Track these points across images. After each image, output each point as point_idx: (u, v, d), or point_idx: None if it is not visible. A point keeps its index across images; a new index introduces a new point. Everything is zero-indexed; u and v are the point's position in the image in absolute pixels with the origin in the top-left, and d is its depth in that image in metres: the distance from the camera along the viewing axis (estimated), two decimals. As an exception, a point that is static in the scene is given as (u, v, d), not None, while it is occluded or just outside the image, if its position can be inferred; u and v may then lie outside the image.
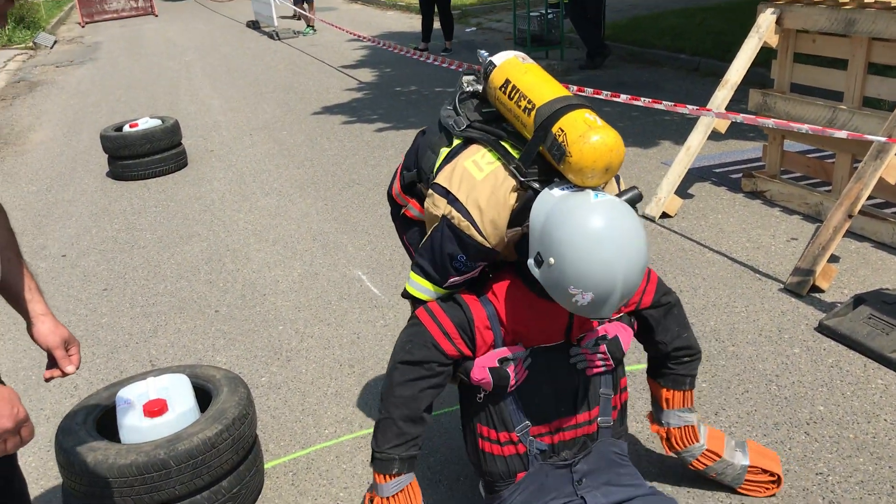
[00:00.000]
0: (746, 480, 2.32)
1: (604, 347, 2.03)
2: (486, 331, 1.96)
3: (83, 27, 19.77)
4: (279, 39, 13.66)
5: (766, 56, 4.82)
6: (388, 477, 1.99)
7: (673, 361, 2.22)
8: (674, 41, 9.14)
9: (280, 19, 14.99)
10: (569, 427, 2.06)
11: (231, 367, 3.41)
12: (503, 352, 1.96)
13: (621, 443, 2.16)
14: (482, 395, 2.03)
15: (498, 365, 1.95)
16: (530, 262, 1.77)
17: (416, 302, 2.08)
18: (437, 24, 11.06)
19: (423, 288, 2.02)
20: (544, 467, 2.06)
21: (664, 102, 4.40)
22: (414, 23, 13.81)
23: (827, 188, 4.53)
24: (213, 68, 11.45)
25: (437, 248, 1.94)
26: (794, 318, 3.41)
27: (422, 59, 7.88)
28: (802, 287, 3.57)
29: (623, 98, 4.44)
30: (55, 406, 3.26)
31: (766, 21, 4.42)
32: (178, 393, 2.49)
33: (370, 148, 6.47)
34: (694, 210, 4.71)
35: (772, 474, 2.32)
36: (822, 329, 3.26)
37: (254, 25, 15.78)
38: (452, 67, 6.94)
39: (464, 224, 1.87)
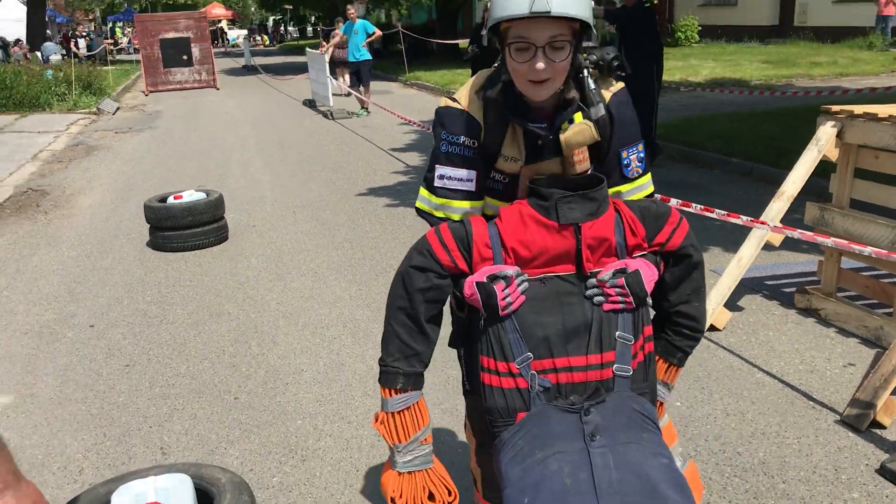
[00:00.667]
0: None
1: (622, 281, 1.82)
2: (484, 248, 1.86)
3: (146, 95, 20.49)
4: (333, 119, 13.90)
5: (824, 166, 4.64)
6: (393, 392, 1.91)
7: (672, 327, 2.04)
8: (726, 144, 9.02)
9: (335, 97, 15.32)
10: (578, 368, 1.83)
11: (243, 463, 3.23)
12: (494, 268, 1.83)
13: (644, 401, 1.87)
14: (482, 318, 1.88)
15: (486, 280, 1.82)
16: None
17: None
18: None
19: (423, 197, 2.05)
20: (548, 409, 1.82)
21: (717, 211, 4.23)
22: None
23: (887, 311, 4.26)
24: (267, 143, 11.64)
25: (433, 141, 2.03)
26: (852, 457, 3.12)
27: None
28: (861, 421, 3.30)
29: (674, 203, 4.29)
30: (55, 491, 3.10)
31: (826, 134, 4.26)
32: (178, 498, 2.32)
33: (411, 232, 6.38)
34: (743, 325, 4.47)
35: None
36: (885, 472, 2.97)
37: (310, 104, 16.15)
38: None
39: (444, 101, 2.01)
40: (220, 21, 53.85)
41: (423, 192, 2.05)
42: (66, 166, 10.32)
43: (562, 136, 1.87)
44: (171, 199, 6.44)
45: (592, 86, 1.89)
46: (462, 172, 1.97)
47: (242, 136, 12.43)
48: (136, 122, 14.83)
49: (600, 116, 1.89)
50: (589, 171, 1.94)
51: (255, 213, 7.45)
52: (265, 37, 53.93)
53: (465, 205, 1.99)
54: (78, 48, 30.27)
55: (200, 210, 6.29)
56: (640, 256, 1.89)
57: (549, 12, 1.67)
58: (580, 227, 1.80)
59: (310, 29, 53.30)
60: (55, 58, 21.90)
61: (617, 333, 1.84)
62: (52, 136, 12.77)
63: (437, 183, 2.01)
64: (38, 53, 23.71)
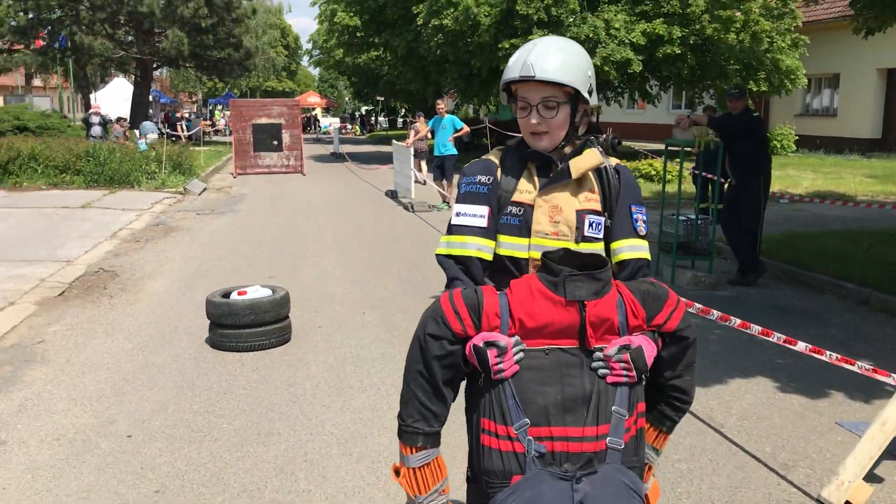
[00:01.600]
0: None
1: (627, 356, 1.96)
2: (494, 317, 1.99)
3: (234, 177, 20.83)
4: (414, 211, 13.63)
5: None
6: (413, 449, 2.05)
7: (664, 398, 2.18)
8: (838, 266, 8.20)
9: (417, 185, 15.12)
10: (574, 438, 1.94)
11: None
12: (489, 335, 1.97)
13: (633, 475, 1.98)
14: (482, 380, 2.02)
15: (481, 345, 1.95)
16: None
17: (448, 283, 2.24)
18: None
19: (441, 243, 2.26)
20: (542, 474, 1.92)
21: (858, 364, 3.53)
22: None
23: None
24: (344, 234, 11.36)
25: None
26: None
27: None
28: None
29: (802, 347, 3.60)
30: None
31: None
32: None
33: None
34: (887, 501, 3.67)
35: None
36: None
37: (392, 195, 16.00)
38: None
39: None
40: (314, 109, 55.76)
41: (442, 239, 2.27)
42: (143, 247, 10.21)
43: (571, 161, 2.16)
44: (234, 295, 6.06)
45: (600, 149, 2.23)
46: (477, 209, 2.19)
47: (320, 225, 12.22)
48: (220, 205, 14.89)
49: (608, 166, 2.22)
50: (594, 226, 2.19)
51: (323, 311, 7.01)
52: (356, 126, 55.43)
53: (478, 241, 2.19)
54: (184, 129, 31.46)
55: (264, 308, 5.88)
56: (641, 334, 2.02)
57: (534, 77, 2.07)
58: (585, 304, 1.94)
59: (399, 120, 54.59)
60: (152, 136, 22.64)
61: (613, 408, 1.96)
62: (135, 215, 12.85)
63: (453, 221, 2.23)
64: (136, 131, 24.61)
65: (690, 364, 2.14)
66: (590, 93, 2.17)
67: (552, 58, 2.10)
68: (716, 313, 4.90)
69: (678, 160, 8.84)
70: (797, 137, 24.93)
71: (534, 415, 1.94)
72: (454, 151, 14.41)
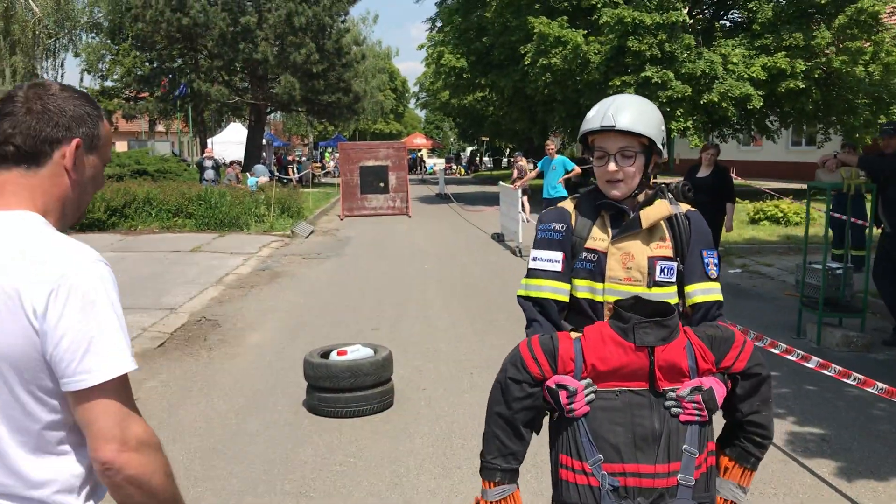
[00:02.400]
0: None
1: (699, 397, 2.11)
2: (569, 361, 2.17)
3: (342, 220, 20.85)
4: (521, 256, 13.06)
5: None
6: (492, 484, 2.21)
7: (744, 434, 2.27)
8: None
9: (525, 224, 14.55)
10: (645, 475, 2.10)
11: None
12: (561, 378, 2.15)
13: None
14: (557, 416, 2.22)
15: (554, 386, 2.15)
16: None
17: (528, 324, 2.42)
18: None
19: (521, 285, 2.44)
20: None
21: None
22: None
23: None
24: (449, 280, 10.89)
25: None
26: None
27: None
28: None
29: None
30: None
31: None
32: None
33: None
34: None
35: None
36: None
37: (498, 238, 15.49)
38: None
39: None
40: (420, 150, 56.30)
41: (521, 281, 2.44)
42: (247, 293, 10.03)
43: (642, 212, 2.33)
44: (334, 355, 5.63)
45: (671, 196, 2.42)
46: (552, 254, 2.38)
47: (425, 271, 11.80)
48: (326, 248, 14.75)
49: (679, 213, 2.38)
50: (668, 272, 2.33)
51: (427, 371, 6.50)
52: (461, 168, 55.66)
53: (553, 284, 2.37)
54: (296, 172, 32.13)
55: (365, 371, 5.42)
56: (711, 376, 2.17)
57: (615, 127, 2.27)
58: (654, 349, 2.11)
59: (504, 160, 54.35)
60: (263, 179, 23.04)
61: (684, 446, 2.13)
62: (242, 259, 12.81)
63: (531, 265, 2.43)
64: (248, 174, 25.14)
65: (766, 400, 2.26)
66: (663, 145, 2.36)
67: (630, 111, 2.29)
68: (881, 386, 4.12)
69: (821, 203, 7.95)
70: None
71: (607, 451, 2.13)
72: (564, 193, 13.78)
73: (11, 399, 1.56)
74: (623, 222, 2.34)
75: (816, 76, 19.91)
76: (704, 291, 2.36)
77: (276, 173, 28.40)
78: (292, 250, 14.36)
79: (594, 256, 2.34)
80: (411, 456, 4.73)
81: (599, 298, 2.32)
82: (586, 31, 20.46)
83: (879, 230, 7.38)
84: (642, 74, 19.60)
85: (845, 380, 4.57)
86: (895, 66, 19.42)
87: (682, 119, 20.16)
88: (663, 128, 2.37)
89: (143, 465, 1.56)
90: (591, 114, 2.35)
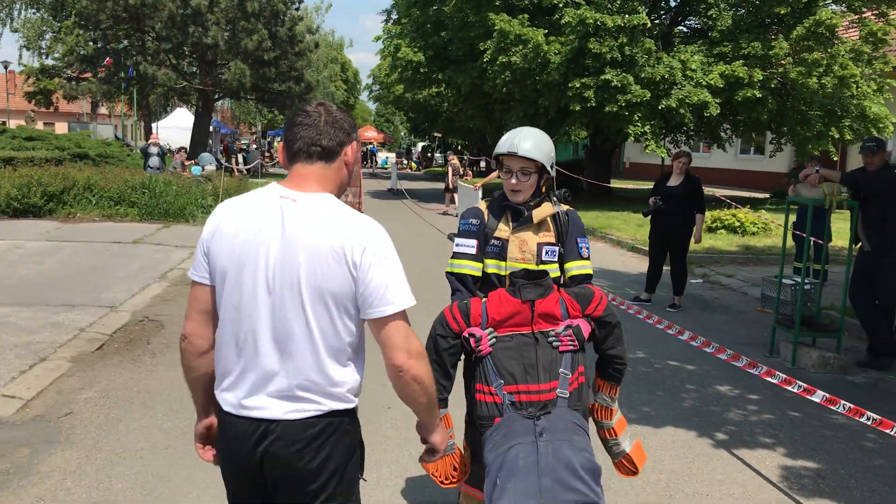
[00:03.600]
0: (620, 460, 3.34)
1: (571, 332, 3.02)
2: (477, 317, 3.07)
3: (291, 213, 20.15)
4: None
5: None
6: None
7: (607, 364, 3.22)
8: None
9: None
10: (533, 391, 2.95)
11: None
12: (473, 329, 3.06)
13: (578, 415, 2.97)
14: (473, 357, 3.08)
15: (467, 335, 3.06)
16: None
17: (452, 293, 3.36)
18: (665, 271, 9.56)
19: (448, 264, 3.34)
20: (514, 416, 2.91)
21: None
22: (639, 264, 12.46)
23: None
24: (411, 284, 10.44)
25: None
26: None
27: (646, 318, 6.23)
28: None
29: None
30: None
31: None
32: None
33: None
34: None
35: (634, 468, 3.34)
36: None
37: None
38: (682, 338, 5.33)
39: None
40: (371, 143, 55.59)
41: (449, 261, 3.35)
42: (193, 291, 9.45)
43: (534, 211, 3.28)
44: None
45: (556, 199, 3.39)
46: (470, 241, 3.30)
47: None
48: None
49: (560, 211, 3.34)
50: (548, 254, 3.28)
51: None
52: (412, 162, 55.11)
53: (471, 263, 3.29)
54: (237, 162, 31.21)
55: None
56: (581, 317, 3.10)
57: (517, 153, 3.18)
58: (534, 303, 3.03)
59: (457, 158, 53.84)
60: (210, 168, 22.20)
61: (560, 370, 3.00)
62: (188, 252, 12.17)
63: (455, 249, 3.34)
64: (193, 162, 24.27)
65: (619, 339, 3.17)
66: (551, 167, 3.26)
67: (530, 142, 3.20)
68: (871, 415, 3.87)
69: (779, 215, 7.74)
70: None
71: (506, 377, 2.99)
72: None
73: (330, 323, 2.22)
74: (520, 218, 3.27)
75: (773, 86, 20.01)
76: (578, 267, 3.30)
77: (224, 162, 27.51)
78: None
79: (500, 242, 3.26)
80: (378, 488, 4.31)
81: (503, 273, 3.26)
82: (547, 31, 20.15)
83: (857, 247, 7.22)
84: (602, 77, 19.42)
85: (832, 407, 4.33)
86: (849, 80, 19.61)
87: (639, 124, 20.05)
88: (553, 154, 3.30)
89: (421, 368, 2.26)
90: (502, 140, 3.25)
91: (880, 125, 20.39)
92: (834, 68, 19.42)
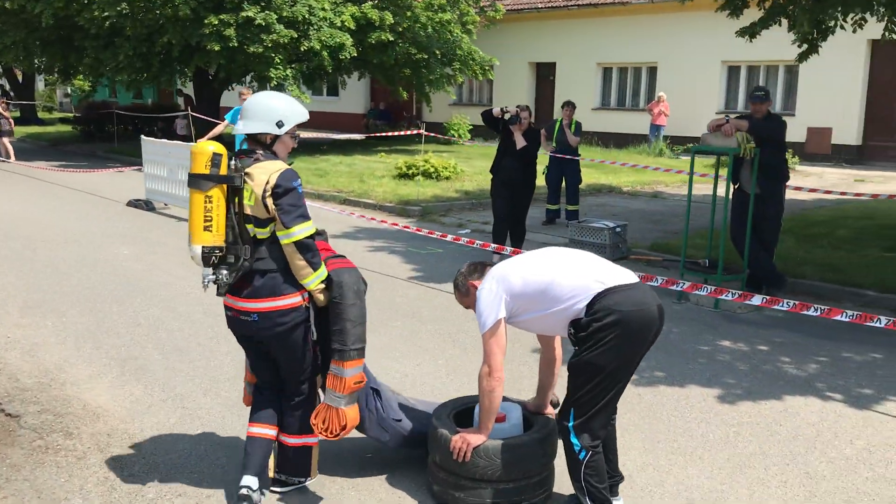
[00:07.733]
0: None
1: None
2: None
3: None
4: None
5: None
6: (363, 360, 3.59)
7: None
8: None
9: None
10: None
11: None
12: None
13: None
14: None
15: None
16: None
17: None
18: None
19: (307, 226, 3.53)
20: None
21: None
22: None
23: None
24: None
25: None
26: None
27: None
28: None
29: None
30: None
31: None
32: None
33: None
34: None
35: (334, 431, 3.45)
36: None
37: (146, 206, 12.50)
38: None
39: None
40: None
41: (304, 224, 3.53)
42: None
43: None
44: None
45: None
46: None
47: (124, 257, 8.81)
48: None
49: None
50: None
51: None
52: None
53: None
54: None
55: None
56: None
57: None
58: None
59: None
60: None
61: None
62: None
63: (308, 213, 3.57)
64: None
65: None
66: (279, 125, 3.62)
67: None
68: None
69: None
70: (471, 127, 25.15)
71: None
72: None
73: None
74: None
75: (401, 30, 20.34)
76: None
77: None
78: None
79: None
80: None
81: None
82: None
83: (735, 188, 7.66)
84: (242, 14, 17.65)
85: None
86: (450, 26, 20.88)
87: (280, 67, 18.77)
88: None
89: None
90: (300, 108, 3.65)
91: (486, 67, 22.33)
92: (437, 15, 20.51)
